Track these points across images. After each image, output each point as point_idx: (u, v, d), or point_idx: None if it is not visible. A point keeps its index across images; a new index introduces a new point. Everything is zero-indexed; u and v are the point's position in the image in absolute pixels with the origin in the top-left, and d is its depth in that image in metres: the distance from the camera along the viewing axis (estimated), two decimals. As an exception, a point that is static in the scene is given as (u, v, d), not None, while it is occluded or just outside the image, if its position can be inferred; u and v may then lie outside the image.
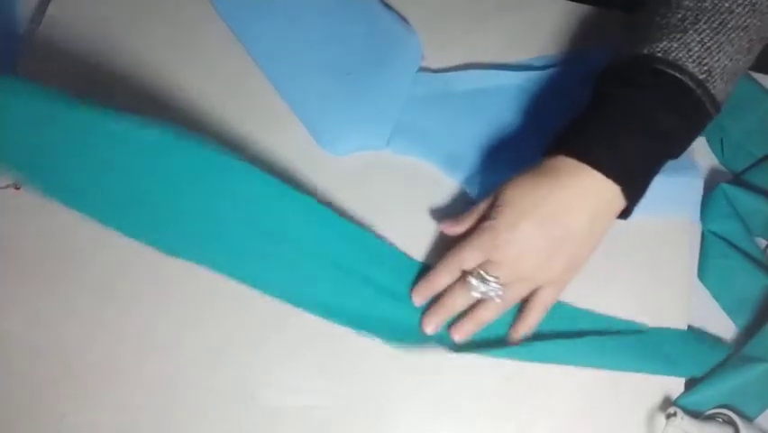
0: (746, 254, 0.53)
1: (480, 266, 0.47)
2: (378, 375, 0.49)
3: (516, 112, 0.57)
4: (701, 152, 0.57)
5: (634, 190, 0.46)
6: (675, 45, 0.46)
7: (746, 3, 0.46)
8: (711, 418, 0.48)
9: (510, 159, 0.55)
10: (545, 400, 0.49)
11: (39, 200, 0.51)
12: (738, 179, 0.57)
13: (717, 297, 0.53)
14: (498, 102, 0.57)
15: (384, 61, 0.57)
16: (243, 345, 0.50)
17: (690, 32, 0.46)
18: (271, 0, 0.59)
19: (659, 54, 0.46)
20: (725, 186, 0.55)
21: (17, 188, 0.52)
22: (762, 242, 0.55)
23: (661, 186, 0.48)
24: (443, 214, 0.54)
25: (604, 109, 0.47)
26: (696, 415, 0.48)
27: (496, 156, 0.55)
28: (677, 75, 0.45)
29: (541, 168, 0.47)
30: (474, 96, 0.57)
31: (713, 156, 0.58)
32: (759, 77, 0.59)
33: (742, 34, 0.47)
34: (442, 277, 0.48)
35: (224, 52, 0.58)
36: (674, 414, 0.47)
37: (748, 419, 0.49)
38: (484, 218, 0.47)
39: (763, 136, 0.57)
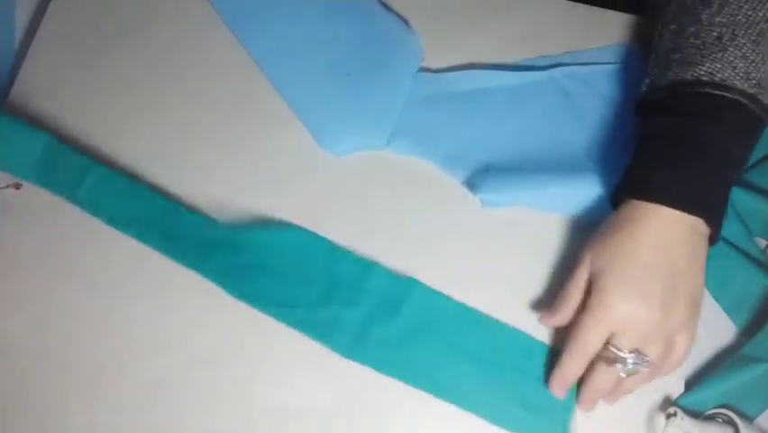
0: (746, 254, 0.53)
1: (608, 342, 0.45)
2: (378, 375, 0.49)
3: (516, 112, 0.57)
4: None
5: (714, 217, 0.45)
6: (719, 66, 0.45)
7: None
8: (711, 418, 0.48)
9: (511, 159, 0.55)
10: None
11: (39, 200, 0.51)
12: (738, 179, 0.57)
13: (717, 297, 0.53)
14: (499, 102, 0.57)
15: (384, 62, 0.57)
16: (244, 344, 0.50)
17: (731, 48, 0.45)
18: (272, 1, 0.59)
19: (704, 78, 0.45)
20: (725, 186, 0.55)
21: (17, 188, 0.52)
22: (762, 242, 0.55)
23: None
24: (445, 215, 0.54)
25: (661, 144, 0.46)
26: (696, 415, 0.48)
27: (497, 156, 0.55)
28: (726, 95, 0.45)
29: (615, 222, 0.46)
30: (475, 96, 0.57)
31: (713, 156, 0.58)
32: (759, 77, 0.59)
33: None
34: (574, 366, 0.46)
35: (225, 53, 0.58)
36: (674, 414, 0.46)
37: (748, 418, 0.49)
38: (585, 295, 0.46)
39: (764, 136, 0.57)
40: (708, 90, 0.45)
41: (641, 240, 0.44)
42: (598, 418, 0.49)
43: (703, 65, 0.46)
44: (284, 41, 0.58)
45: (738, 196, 0.54)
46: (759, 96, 0.45)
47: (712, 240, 0.47)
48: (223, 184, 0.54)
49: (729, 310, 0.53)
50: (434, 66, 0.58)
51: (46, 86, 0.56)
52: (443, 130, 0.56)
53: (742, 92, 0.45)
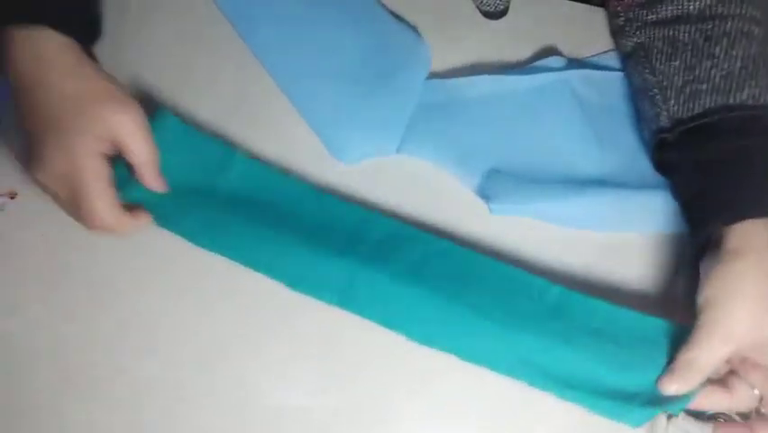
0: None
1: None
2: (379, 376, 0.49)
3: (528, 119, 0.56)
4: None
5: None
6: (757, 91, 0.47)
7: None
8: (712, 418, 0.48)
9: (521, 167, 0.55)
10: (546, 401, 0.49)
11: (38, 202, 0.51)
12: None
13: (717, 297, 0.53)
14: (510, 109, 0.56)
15: (394, 69, 0.57)
16: (244, 344, 0.50)
17: (760, 75, 0.47)
18: (281, 7, 0.59)
19: (750, 102, 0.47)
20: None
21: (12, 197, 0.52)
22: (762, 242, 0.55)
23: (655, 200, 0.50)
24: (453, 222, 0.54)
25: (748, 165, 0.46)
26: (697, 415, 0.48)
27: (508, 162, 0.55)
28: None
29: (729, 260, 0.44)
30: (485, 101, 0.57)
31: (713, 156, 0.58)
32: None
33: None
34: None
35: (235, 59, 0.58)
36: (675, 414, 0.46)
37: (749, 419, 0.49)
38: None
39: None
40: (755, 113, 0.47)
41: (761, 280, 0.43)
42: (599, 418, 0.49)
43: (743, 91, 0.47)
44: (294, 48, 0.58)
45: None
46: None
47: None
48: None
49: (730, 310, 0.53)
50: (441, 67, 0.58)
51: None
52: (454, 136, 0.56)
53: None
